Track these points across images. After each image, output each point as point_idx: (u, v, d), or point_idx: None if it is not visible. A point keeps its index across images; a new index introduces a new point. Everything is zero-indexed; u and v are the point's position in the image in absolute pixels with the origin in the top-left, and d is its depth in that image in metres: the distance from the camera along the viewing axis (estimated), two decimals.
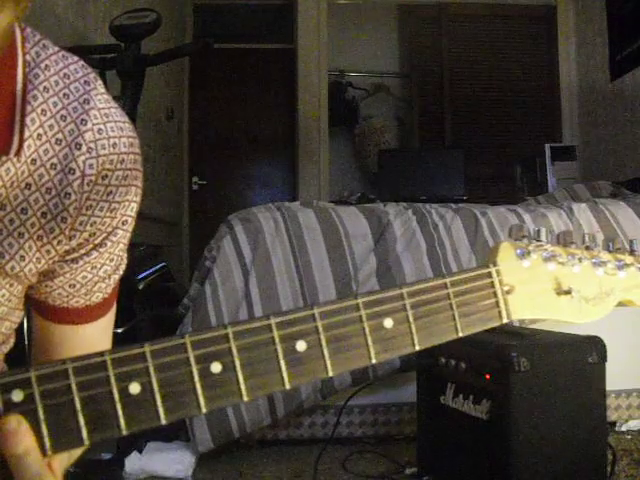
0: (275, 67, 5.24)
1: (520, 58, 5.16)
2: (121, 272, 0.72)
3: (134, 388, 0.46)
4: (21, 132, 0.59)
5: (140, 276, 2.52)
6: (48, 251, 0.63)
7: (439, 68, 5.16)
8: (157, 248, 2.98)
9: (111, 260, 0.69)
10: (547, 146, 4.18)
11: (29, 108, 0.59)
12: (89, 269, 0.67)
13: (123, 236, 0.68)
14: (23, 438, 0.44)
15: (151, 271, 2.64)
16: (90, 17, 3.05)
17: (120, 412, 0.46)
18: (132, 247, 0.72)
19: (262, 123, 5.19)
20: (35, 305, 0.70)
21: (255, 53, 5.20)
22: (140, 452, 1.87)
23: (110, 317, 0.74)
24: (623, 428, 2.14)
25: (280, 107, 5.25)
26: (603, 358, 1.53)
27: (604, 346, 1.54)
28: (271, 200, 3.14)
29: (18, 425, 0.44)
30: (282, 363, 0.48)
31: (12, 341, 0.71)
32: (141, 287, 2.47)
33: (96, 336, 0.72)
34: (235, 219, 2.17)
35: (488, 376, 1.50)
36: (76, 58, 0.65)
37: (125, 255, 0.72)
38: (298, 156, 5.09)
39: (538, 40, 5.20)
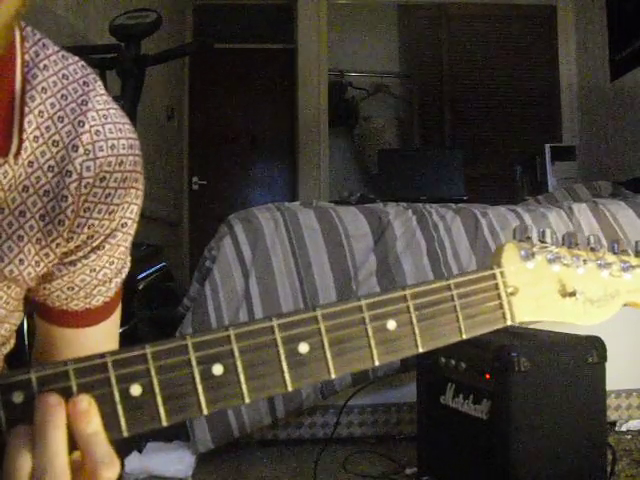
0: (275, 67, 5.24)
1: (520, 58, 5.15)
2: (124, 276, 0.71)
3: (135, 390, 0.45)
4: (20, 133, 0.58)
5: (140, 276, 2.52)
6: (47, 254, 0.62)
7: (439, 68, 5.16)
8: (157, 248, 2.98)
9: (111, 263, 0.68)
10: (547, 146, 4.18)
11: (27, 109, 0.58)
12: (88, 272, 0.66)
13: (123, 239, 0.67)
14: (94, 418, 0.44)
15: (151, 271, 2.64)
16: (90, 17, 3.05)
17: (121, 414, 0.45)
18: (132, 247, 0.71)
19: (262, 123, 5.18)
20: (36, 307, 0.69)
21: (255, 53, 5.19)
22: (140, 452, 1.87)
23: (114, 320, 0.73)
24: (623, 428, 2.14)
25: (280, 107, 5.24)
26: (603, 358, 1.53)
27: (604, 346, 1.54)
28: (271, 200, 3.14)
29: (89, 405, 0.44)
30: (284, 365, 0.48)
31: (12, 342, 0.70)
32: (141, 287, 2.47)
33: (99, 340, 0.70)
34: (235, 219, 2.16)
35: (488, 376, 1.50)
36: (76, 58, 0.64)
37: (128, 259, 0.70)
38: (298, 156, 5.08)
39: (538, 40, 5.20)
